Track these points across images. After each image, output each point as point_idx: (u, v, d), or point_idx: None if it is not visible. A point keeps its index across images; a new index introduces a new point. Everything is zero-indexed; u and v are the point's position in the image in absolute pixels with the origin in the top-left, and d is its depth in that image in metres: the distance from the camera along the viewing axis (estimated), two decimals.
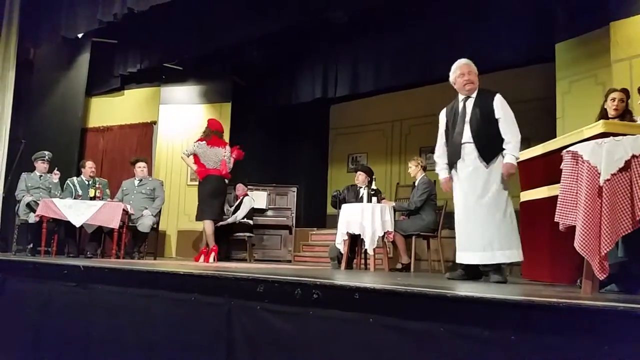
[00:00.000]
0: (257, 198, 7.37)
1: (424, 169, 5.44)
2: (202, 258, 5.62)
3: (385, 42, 7.18)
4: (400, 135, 8.95)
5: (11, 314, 3.88)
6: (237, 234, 6.73)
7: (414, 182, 5.44)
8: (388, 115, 8.98)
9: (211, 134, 5.91)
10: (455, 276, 3.56)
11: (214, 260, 5.53)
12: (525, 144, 6.58)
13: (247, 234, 6.79)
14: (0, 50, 6.53)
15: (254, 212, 7.04)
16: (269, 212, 7.64)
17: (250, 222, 6.91)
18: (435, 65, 6.64)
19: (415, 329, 1.96)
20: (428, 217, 5.14)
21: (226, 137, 8.11)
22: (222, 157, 5.87)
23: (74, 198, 5.88)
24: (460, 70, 3.63)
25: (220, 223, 6.55)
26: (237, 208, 6.87)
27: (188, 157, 5.81)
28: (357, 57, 7.44)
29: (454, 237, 6.24)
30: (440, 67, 6.57)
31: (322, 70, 7.74)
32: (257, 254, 7.32)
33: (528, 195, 4.00)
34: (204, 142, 5.83)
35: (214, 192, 5.79)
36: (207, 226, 5.68)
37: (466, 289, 2.26)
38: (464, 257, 3.49)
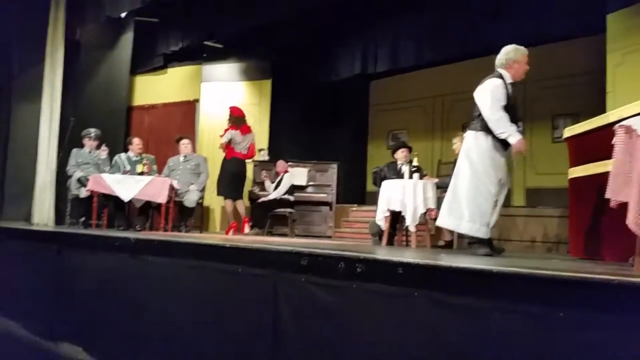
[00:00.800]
0: (298, 175, 7.42)
1: None
2: (231, 232, 6.37)
3: (426, 15, 6.94)
4: (442, 112, 8.75)
5: (67, 282, 4.11)
6: (278, 210, 6.82)
7: (457, 159, 5.33)
8: (429, 91, 8.77)
9: (240, 121, 6.65)
10: (491, 252, 3.54)
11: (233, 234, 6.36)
12: (574, 119, 6.40)
13: (288, 210, 6.87)
14: (50, 31, 6.72)
15: (294, 188, 7.10)
16: (309, 189, 7.68)
17: (291, 198, 6.98)
18: (478, 39, 6.42)
19: (460, 304, 1.97)
20: None
21: (266, 114, 8.23)
22: (251, 141, 6.70)
23: (123, 174, 6.11)
24: (527, 60, 3.67)
25: (262, 199, 6.78)
26: (278, 184, 6.95)
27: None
28: (397, 32, 7.22)
29: (501, 215, 6.16)
30: (484, 40, 6.41)
31: (362, 46, 7.61)
32: (298, 229, 7.40)
33: (577, 171, 3.89)
34: (238, 130, 6.54)
35: (237, 172, 6.58)
36: (228, 204, 6.52)
37: (512, 265, 2.23)
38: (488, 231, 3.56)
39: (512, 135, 3.46)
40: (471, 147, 3.62)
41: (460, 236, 5.29)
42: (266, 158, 7.91)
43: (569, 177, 4.07)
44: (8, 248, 4.99)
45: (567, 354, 1.71)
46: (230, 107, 6.83)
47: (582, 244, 3.82)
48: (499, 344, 1.86)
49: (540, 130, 7.52)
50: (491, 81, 3.60)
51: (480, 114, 3.60)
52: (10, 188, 6.67)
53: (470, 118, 3.78)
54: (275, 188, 6.91)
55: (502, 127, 3.47)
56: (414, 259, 2.30)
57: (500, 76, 3.64)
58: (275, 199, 6.79)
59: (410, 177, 4.88)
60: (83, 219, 6.10)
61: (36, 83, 6.68)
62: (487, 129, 3.55)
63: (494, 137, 3.53)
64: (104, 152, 6.41)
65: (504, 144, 3.55)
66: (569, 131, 4.14)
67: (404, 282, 2.14)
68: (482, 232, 3.50)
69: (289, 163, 7.29)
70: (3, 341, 4.45)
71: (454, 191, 3.63)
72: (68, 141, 6.61)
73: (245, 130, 6.65)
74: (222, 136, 6.58)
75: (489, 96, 3.53)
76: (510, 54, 3.66)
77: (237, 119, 6.64)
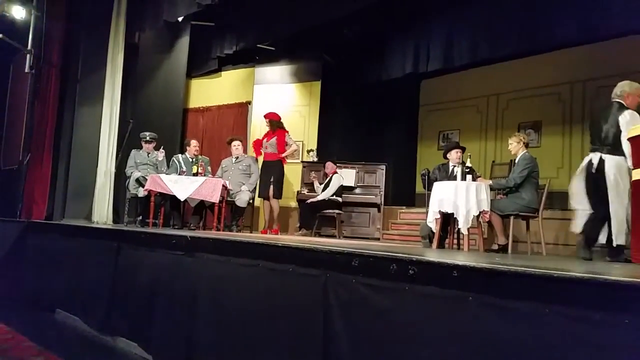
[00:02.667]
0: (346, 176, 7.41)
1: (526, 145, 5.10)
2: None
3: (482, 11, 6.67)
4: (496, 111, 8.52)
5: (124, 279, 4.27)
6: (327, 211, 6.84)
7: (513, 160, 5.17)
8: (483, 90, 8.56)
9: (282, 125, 7.09)
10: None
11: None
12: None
13: (336, 211, 6.88)
14: (111, 35, 7.01)
15: (342, 189, 7.11)
16: (358, 190, 7.66)
17: (339, 199, 6.99)
18: (537, 34, 6.13)
19: (518, 309, 1.90)
20: (528, 195, 4.85)
21: (315, 115, 8.29)
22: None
23: (179, 174, 6.31)
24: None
25: (310, 200, 6.82)
26: (327, 185, 6.97)
27: None
28: (451, 29, 7.01)
29: (557, 219, 5.94)
30: (543, 35, 6.14)
31: (413, 44, 7.46)
32: (346, 230, 7.40)
33: None
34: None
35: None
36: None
37: (576, 270, 2.14)
38: None
39: None
40: (627, 169, 3.83)
41: (515, 240, 5.14)
42: (315, 159, 7.95)
43: (633, 179, 3.86)
44: (70, 245, 5.23)
45: None
46: (270, 114, 7.12)
47: None
48: (558, 352, 1.79)
49: None
50: (635, 115, 3.88)
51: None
52: (73, 187, 6.98)
53: (604, 140, 3.98)
54: (324, 189, 6.94)
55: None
56: (469, 262, 2.25)
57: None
58: (323, 200, 6.81)
59: (463, 178, 4.76)
60: (140, 217, 6.34)
61: (98, 86, 6.97)
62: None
63: None
64: (161, 153, 6.65)
65: None
66: (634, 130, 3.94)
67: (459, 285, 2.09)
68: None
69: (338, 164, 7.30)
70: (65, 335, 4.67)
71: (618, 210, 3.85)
72: (127, 142, 6.88)
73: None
74: (285, 145, 6.99)
75: None
76: (625, 87, 4.02)
77: (279, 123, 7.05)
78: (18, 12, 7.18)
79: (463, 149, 5.48)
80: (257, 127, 8.43)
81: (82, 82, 7.14)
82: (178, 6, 6.63)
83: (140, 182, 6.30)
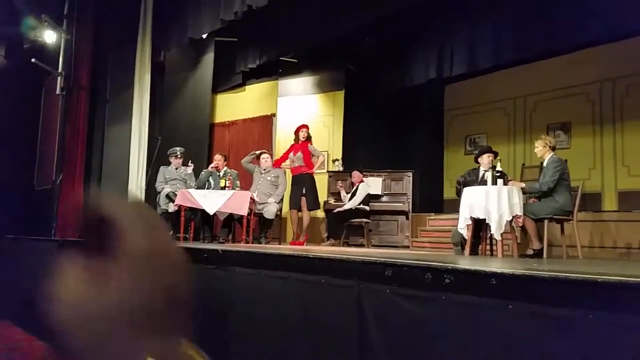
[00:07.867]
0: (373, 184, 7.37)
1: (553, 149, 4.99)
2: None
3: (505, 12, 6.57)
4: (524, 113, 8.38)
5: None
6: (354, 220, 6.81)
7: (542, 162, 5.07)
8: (510, 92, 8.44)
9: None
10: None
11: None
12: None
13: (364, 220, 6.83)
14: (137, 55, 7.16)
15: (369, 198, 7.07)
16: (385, 198, 7.61)
17: (367, 208, 6.95)
18: (563, 34, 6.05)
19: (560, 316, 1.85)
20: (562, 198, 4.73)
21: (339, 125, 8.29)
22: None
23: (207, 188, 6.41)
24: None
25: (338, 209, 6.81)
26: (354, 195, 6.95)
27: None
28: (474, 31, 6.94)
29: (591, 221, 5.80)
30: (569, 35, 6.05)
31: (436, 49, 7.40)
32: (374, 239, 7.34)
33: None
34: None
35: None
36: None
37: (620, 273, 2.08)
38: None
39: None
40: None
41: (549, 245, 5.02)
42: (340, 168, 7.93)
43: None
44: None
45: None
46: (303, 127, 7.13)
47: None
48: None
49: (633, 129, 7.02)
50: None
51: None
52: None
53: None
54: (351, 198, 6.91)
55: None
56: (507, 268, 2.20)
57: None
58: (350, 209, 6.79)
59: (494, 183, 4.68)
60: (171, 232, 6.42)
61: (126, 106, 7.12)
62: None
63: None
64: (189, 167, 6.74)
65: None
66: None
67: (498, 293, 2.04)
68: None
69: (364, 173, 7.27)
70: None
71: None
72: (156, 159, 6.99)
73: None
74: (312, 157, 6.99)
75: None
76: None
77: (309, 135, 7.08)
78: (49, 37, 7.41)
79: (495, 154, 5.39)
80: (282, 139, 8.48)
81: (110, 102, 7.30)
82: (202, 23, 6.74)
83: (170, 198, 6.39)
